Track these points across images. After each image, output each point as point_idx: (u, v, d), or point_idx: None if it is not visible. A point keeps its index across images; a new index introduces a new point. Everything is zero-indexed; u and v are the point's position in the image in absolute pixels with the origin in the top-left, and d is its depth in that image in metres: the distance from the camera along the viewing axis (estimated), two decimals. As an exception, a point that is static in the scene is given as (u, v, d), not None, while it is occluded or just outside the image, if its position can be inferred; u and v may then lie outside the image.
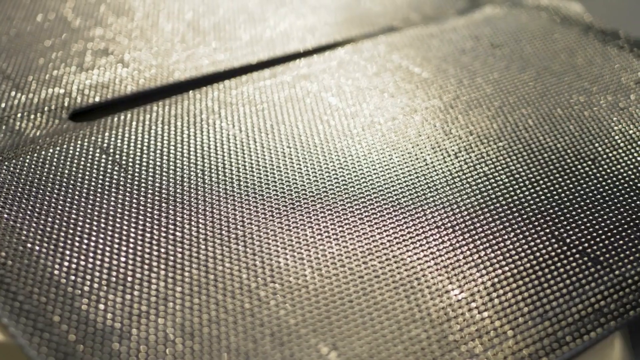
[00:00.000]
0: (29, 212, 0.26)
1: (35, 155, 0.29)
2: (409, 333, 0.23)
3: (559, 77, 0.36)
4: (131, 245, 0.25)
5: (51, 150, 0.30)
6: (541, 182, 0.29)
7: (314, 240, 0.26)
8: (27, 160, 0.29)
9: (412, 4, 0.44)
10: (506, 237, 0.26)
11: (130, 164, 0.29)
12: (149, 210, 0.27)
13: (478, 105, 0.34)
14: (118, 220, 0.26)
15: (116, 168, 0.29)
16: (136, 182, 0.28)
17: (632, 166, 0.30)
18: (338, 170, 0.29)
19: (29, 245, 0.25)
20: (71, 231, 0.26)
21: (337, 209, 0.27)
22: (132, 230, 0.26)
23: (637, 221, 0.27)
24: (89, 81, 0.35)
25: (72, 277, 0.24)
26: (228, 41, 0.39)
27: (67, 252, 0.25)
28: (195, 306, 0.23)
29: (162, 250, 0.25)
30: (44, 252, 0.25)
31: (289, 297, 0.24)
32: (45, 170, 0.29)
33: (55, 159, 0.29)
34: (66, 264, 0.24)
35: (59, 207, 0.27)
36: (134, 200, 0.27)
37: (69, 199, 0.27)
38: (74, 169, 0.29)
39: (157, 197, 0.27)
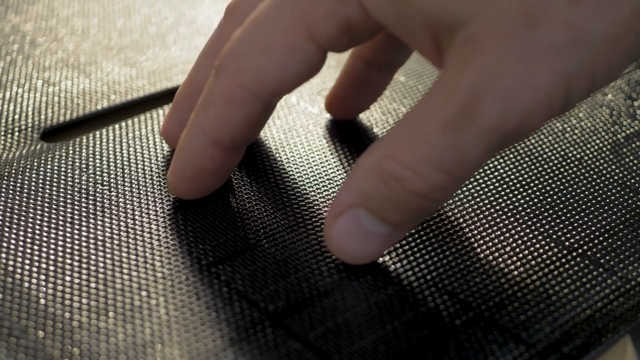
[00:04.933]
0: (12, 241, 0.25)
1: (12, 179, 0.28)
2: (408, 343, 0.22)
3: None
4: (125, 270, 0.24)
5: (28, 174, 0.28)
6: (532, 185, 0.29)
7: None
8: (4, 186, 0.28)
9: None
10: (505, 242, 0.26)
11: (113, 183, 0.28)
12: (138, 232, 0.26)
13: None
14: (108, 244, 0.25)
15: (99, 188, 0.28)
16: (121, 202, 0.27)
17: (618, 165, 0.30)
18: (326, 174, 0.29)
19: (17, 276, 0.24)
20: (60, 259, 0.25)
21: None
22: (125, 254, 0.25)
23: (632, 221, 0.27)
24: (57, 98, 0.34)
25: (67, 308, 0.23)
26: (200, 49, 0.38)
27: (59, 282, 0.24)
28: (201, 336, 0.22)
29: (159, 275, 0.24)
30: (34, 283, 0.24)
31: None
32: (25, 194, 0.27)
33: (34, 183, 0.28)
34: (59, 294, 0.23)
35: (44, 233, 0.26)
36: (122, 222, 0.26)
37: (53, 224, 0.26)
38: (54, 191, 0.28)
39: (145, 218, 0.27)
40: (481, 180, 0.29)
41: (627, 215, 0.27)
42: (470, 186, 0.29)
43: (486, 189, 0.29)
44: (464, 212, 0.27)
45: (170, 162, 0.29)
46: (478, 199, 0.28)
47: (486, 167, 0.30)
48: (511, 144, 0.22)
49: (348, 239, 0.23)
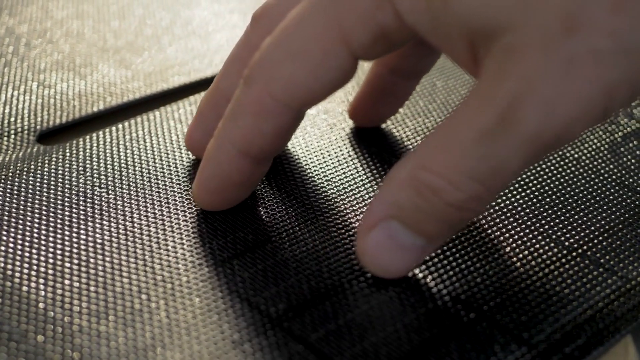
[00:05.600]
0: (11, 245, 0.25)
1: (9, 182, 0.28)
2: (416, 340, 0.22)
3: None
4: (124, 273, 0.24)
5: (24, 177, 0.28)
6: (531, 185, 0.29)
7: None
8: (1, 189, 0.28)
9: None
10: (505, 242, 0.26)
11: (111, 185, 0.28)
12: (137, 235, 0.26)
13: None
14: (107, 247, 0.25)
15: (96, 191, 0.28)
16: (119, 205, 0.27)
17: (617, 164, 0.30)
18: (323, 174, 0.29)
19: (16, 280, 0.24)
20: (59, 262, 0.24)
21: (346, 212, 0.27)
22: (124, 257, 0.25)
23: (631, 220, 0.27)
24: (52, 100, 0.34)
25: (67, 312, 0.23)
26: (196, 51, 0.38)
27: (59, 286, 0.24)
28: (202, 337, 0.22)
29: (159, 277, 0.24)
30: (33, 287, 0.23)
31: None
32: (22, 197, 0.27)
33: (31, 186, 0.28)
34: (59, 298, 0.23)
35: (42, 237, 0.25)
36: (121, 225, 0.26)
37: (51, 228, 0.26)
38: (51, 194, 0.27)
39: (144, 220, 0.26)
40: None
41: (626, 215, 0.27)
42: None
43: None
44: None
45: (169, 165, 0.29)
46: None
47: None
48: (548, 153, 0.22)
49: (381, 252, 0.23)
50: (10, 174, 0.28)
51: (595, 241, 0.26)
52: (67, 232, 0.26)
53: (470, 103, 0.22)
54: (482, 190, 0.21)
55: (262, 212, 0.27)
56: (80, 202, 0.27)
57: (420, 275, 0.25)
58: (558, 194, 0.28)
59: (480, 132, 0.21)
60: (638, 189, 0.29)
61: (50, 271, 0.24)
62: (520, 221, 0.27)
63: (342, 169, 0.29)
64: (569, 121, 0.21)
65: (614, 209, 0.28)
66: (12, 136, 0.31)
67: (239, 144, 0.25)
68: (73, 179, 0.28)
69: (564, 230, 0.27)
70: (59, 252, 0.25)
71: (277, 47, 0.24)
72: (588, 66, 0.20)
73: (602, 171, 0.30)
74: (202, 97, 0.29)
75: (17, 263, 0.24)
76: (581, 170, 0.30)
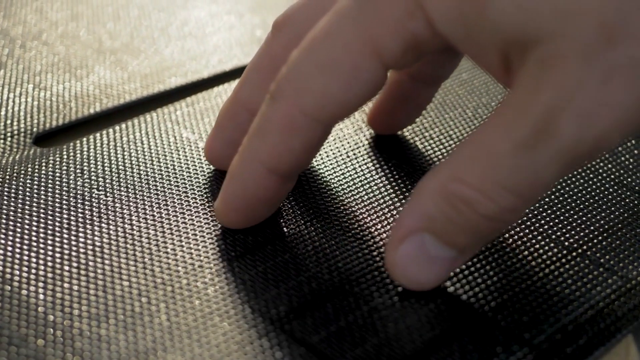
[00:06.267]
0: (9, 249, 0.25)
1: (7, 185, 0.28)
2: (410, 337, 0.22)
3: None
4: (124, 276, 0.24)
5: (22, 180, 0.28)
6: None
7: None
8: (-1, 191, 0.27)
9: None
10: (505, 243, 0.26)
11: (109, 188, 0.28)
12: (136, 238, 0.26)
13: (453, 109, 0.34)
14: (106, 250, 0.25)
15: (94, 194, 0.28)
16: (118, 207, 0.27)
17: (615, 164, 0.30)
18: (327, 176, 0.29)
19: (15, 284, 0.24)
20: (58, 265, 0.24)
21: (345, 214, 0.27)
22: (123, 260, 0.25)
23: (631, 220, 0.27)
24: (48, 102, 0.34)
25: (67, 316, 0.23)
26: (192, 52, 0.38)
27: (58, 290, 0.23)
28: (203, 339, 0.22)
29: (159, 280, 0.24)
30: (32, 291, 0.23)
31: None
32: (20, 200, 0.27)
33: (28, 188, 0.28)
34: (58, 301, 0.23)
35: (41, 240, 0.25)
36: (119, 228, 0.26)
37: (50, 231, 0.26)
38: (49, 197, 0.27)
39: (143, 223, 0.26)
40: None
41: (625, 215, 0.27)
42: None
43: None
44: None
45: (168, 166, 0.29)
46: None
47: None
48: (584, 163, 0.22)
49: (412, 264, 0.23)
50: (8, 177, 0.28)
51: (595, 241, 0.26)
52: (65, 235, 0.26)
53: (505, 113, 0.21)
54: (517, 202, 0.21)
55: None
56: (79, 205, 0.27)
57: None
58: (557, 194, 0.28)
59: (516, 143, 0.21)
60: (637, 188, 0.29)
61: (49, 275, 0.24)
62: (520, 221, 0.27)
63: (343, 169, 0.29)
64: (606, 132, 0.21)
65: (613, 208, 0.28)
66: (9, 139, 0.31)
67: (268, 162, 0.24)
68: (71, 181, 0.28)
69: (564, 230, 0.27)
70: (57, 255, 0.25)
71: (306, 60, 0.23)
72: (627, 76, 0.20)
73: (600, 171, 0.30)
74: (221, 108, 0.28)
75: (16, 267, 0.24)
76: (580, 170, 0.30)
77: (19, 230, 0.26)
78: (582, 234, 0.27)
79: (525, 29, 0.21)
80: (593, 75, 0.20)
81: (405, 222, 0.23)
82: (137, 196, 0.28)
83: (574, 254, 0.26)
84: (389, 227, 0.27)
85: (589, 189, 0.29)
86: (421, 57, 0.24)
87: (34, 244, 0.25)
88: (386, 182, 0.29)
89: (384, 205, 0.28)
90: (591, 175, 0.29)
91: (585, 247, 0.26)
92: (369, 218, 0.27)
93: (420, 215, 0.22)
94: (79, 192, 0.28)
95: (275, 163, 0.24)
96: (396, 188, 0.28)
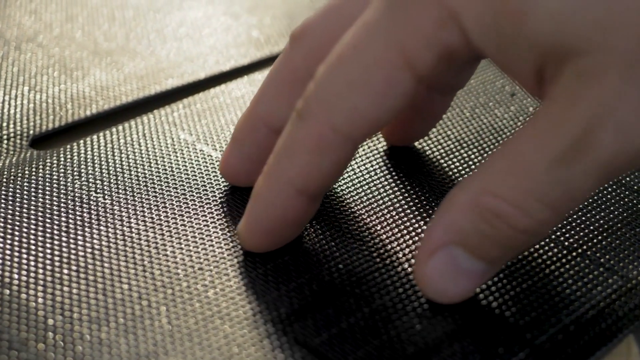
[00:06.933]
0: (8, 252, 0.25)
1: (4, 188, 0.28)
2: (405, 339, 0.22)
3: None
4: (124, 279, 0.24)
5: (19, 183, 0.28)
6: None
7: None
8: (-4, 195, 0.27)
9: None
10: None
11: (107, 190, 0.28)
12: (135, 240, 0.26)
13: (450, 109, 0.33)
14: (105, 253, 0.25)
15: (93, 196, 0.27)
16: (117, 210, 0.27)
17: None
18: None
19: (14, 287, 0.23)
20: (57, 269, 0.24)
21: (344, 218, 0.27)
22: (123, 262, 0.25)
23: (630, 219, 0.27)
24: (44, 105, 0.33)
25: (68, 319, 0.22)
26: (188, 53, 0.38)
27: (58, 293, 0.23)
28: (205, 342, 0.22)
29: (159, 283, 0.24)
30: (32, 295, 0.23)
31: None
32: (18, 203, 0.27)
33: (26, 191, 0.28)
34: (58, 305, 0.23)
35: (40, 243, 0.25)
36: (118, 230, 0.26)
37: (48, 234, 0.26)
38: (47, 200, 0.27)
39: (142, 225, 0.26)
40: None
41: (625, 214, 0.27)
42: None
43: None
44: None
45: (166, 168, 0.29)
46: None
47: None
48: (620, 175, 0.22)
49: (442, 278, 0.23)
50: (4, 180, 0.28)
51: (595, 241, 0.26)
52: (64, 238, 0.25)
53: (540, 126, 0.21)
54: (552, 215, 0.21)
55: None
56: (77, 208, 0.27)
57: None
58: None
59: (552, 157, 0.20)
60: (636, 187, 0.29)
61: (48, 278, 0.24)
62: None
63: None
64: None
65: (612, 208, 0.28)
66: (5, 142, 0.31)
67: (297, 182, 0.23)
68: (68, 184, 0.28)
69: (564, 230, 0.27)
70: (57, 258, 0.25)
71: (335, 76, 0.23)
72: None
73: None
74: (237, 122, 0.27)
75: (15, 270, 0.24)
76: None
77: (17, 233, 0.26)
78: (582, 233, 0.27)
79: (563, 41, 0.20)
80: (634, 88, 0.20)
81: (434, 236, 0.22)
82: (136, 198, 0.27)
83: (574, 253, 0.26)
84: (389, 228, 0.27)
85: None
86: (452, 68, 0.23)
87: (33, 247, 0.25)
88: (385, 182, 0.29)
89: (385, 207, 0.28)
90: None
91: (585, 246, 0.26)
92: (370, 220, 0.27)
93: (451, 229, 0.22)
94: (76, 194, 0.28)
95: (304, 183, 0.23)
96: (395, 189, 0.28)
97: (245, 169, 0.26)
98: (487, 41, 0.22)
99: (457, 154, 0.31)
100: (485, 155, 0.30)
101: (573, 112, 0.20)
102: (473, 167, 0.30)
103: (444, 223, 0.22)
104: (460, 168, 0.30)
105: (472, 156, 0.30)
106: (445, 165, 0.30)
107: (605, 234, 0.27)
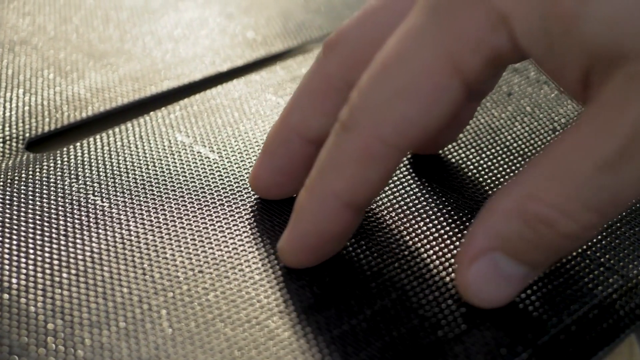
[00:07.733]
0: (6, 256, 0.25)
1: (0, 192, 0.28)
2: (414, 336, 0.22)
3: (521, 74, 0.36)
4: (124, 283, 0.24)
5: (16, 186, 0.28)
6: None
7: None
8: (-7, 198, 0.27)
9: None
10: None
11: (105, 193, 0.28)
12: (135, 243, 0.25)
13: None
14: (105, 256, 0.25)
15: (90, 199, 0.27)
16: (115, 212, 0.27)
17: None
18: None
19: (14, 292, 0.23)
20: (57, 273, 0.24)
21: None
22: (122, 266, 0.24)
23: (629, 218, 0.27)
24: (40, 107, 0.33)
25: (68, 324, 0.22)
26: (184, 54, 0.38)
27: (58, 297, 0.23)
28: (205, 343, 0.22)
29: (159, 286, 0.24)
30: (32, 299, 0.23)
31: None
32: (15, 207, 0.27)
33: (23, 195, 0.27)
34: (58, 309, 0.23)
35: (38, 247, 0.25)
36: (117, 233, 0.26)
37: (47, 237, 0.25)
38: (45, 203, 0.27)
39: (141, 228, 0.26)
40: (477, 182, 0.29)
41: (624, 213, 0.27)
42: (468, 188, 0.29)
43: (482, 192, 0.28)
44: (465, 214, 0.27)
45: (164, 170, 0.29)
46: (477, 201, 0.28)
47: (482, 170, 0.30)
48: None
49: (485, 284, 0.22)
50: (1, 184, 0.28)
51: (595, 240, 0.26)
52: (63, 242, 0.25)
53: (586, 131, 0.21)
54: (599, 220, 0.21)
55: (263, 216, 0.27)
56: (75, 211, 0.27)
57: (422, 279, 0.24)
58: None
59: (600, 162, 0.20)
60: (634, 187, 0.29)
61: (48, 282, 0.24)
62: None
63: None
64: None
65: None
66: (1, 145, 0.31)
67: (343, 195, 0.23)
68: (66, 187, 0.28)
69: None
70: (56, 262, 0.24)
71: (380, 85, 0.22)
72: None
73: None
74: (268, 133, 0.27)
75: (14, 275, 0.24)
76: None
77: (15, 237, 0.25)
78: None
79: (615, 45, 0.20)
80: None
81: (476, 242, 0.22)
82: (134, 201, 0.27)
83: (574, 253, 0.26)
84: (389, 228, 0.26)
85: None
86: (498, 72, 0.23)
87: (31, 251, 0.25)
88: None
89: (385, 207, 0.27)
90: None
91: (585, 246, 0.26)
92: (370, 220, 0.27)
93: (493, 235, 0.22)
94: (74, 197, 0.27)
95: (351, 196, 0.23)
96: (395, 189, 0.28)
97: (276, 182, 0.26)
98: (535, 43, 0.21)
99: (454, 154, 0.30)
100: (483, 155, 0.30)
101: (622, 116, 0.20)
102: (471, 167, 0.30)
103: (486, 229, 0.22)
104: (458, 169, 0.30)
105: (470, 156, 0.30)
106: (443, 165, 0.30)
107: (605, 234, 0.27)
